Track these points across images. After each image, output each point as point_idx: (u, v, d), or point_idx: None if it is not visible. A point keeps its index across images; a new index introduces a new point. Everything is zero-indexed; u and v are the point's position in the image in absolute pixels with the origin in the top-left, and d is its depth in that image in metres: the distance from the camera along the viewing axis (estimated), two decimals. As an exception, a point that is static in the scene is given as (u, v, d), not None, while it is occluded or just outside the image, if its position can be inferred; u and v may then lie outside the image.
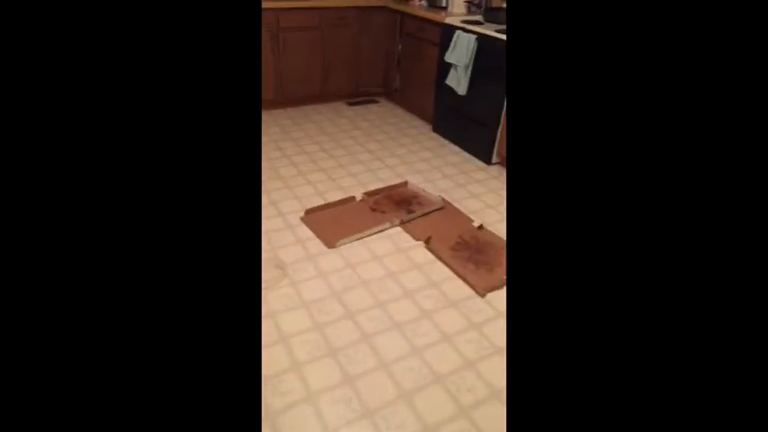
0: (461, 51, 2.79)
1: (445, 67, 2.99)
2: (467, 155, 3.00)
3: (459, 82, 2.89)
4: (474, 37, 2.70)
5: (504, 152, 2.75)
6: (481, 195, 2.53)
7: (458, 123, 3.05)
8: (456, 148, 3.08)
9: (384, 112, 3.65)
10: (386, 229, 2.17)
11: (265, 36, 3.17)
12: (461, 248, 2.06)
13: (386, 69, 3.76)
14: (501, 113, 2.69)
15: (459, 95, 2.93)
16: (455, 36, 2.82)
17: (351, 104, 3.76)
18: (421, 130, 3.34)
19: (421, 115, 3.55)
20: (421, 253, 2.03)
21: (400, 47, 3.52)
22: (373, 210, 2.32)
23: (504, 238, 2.14)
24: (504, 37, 2.54)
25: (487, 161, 2.88)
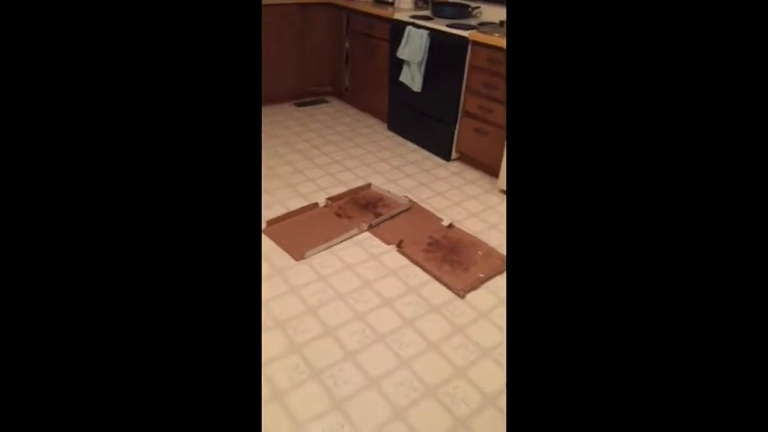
0: (414, 47, 2.73)
1: (398, 64, 2.93)
2: (426, 152, 2.95)
3: (413, 78, 2.83)
4: (426, 32, 2.65)
5: (462, 147, 2.73)
6: (445, 193, 2.49)
7: (414, 121, 3.00)
8: (414, 146, 3.03)
9: (336, 113, 3.53)
10: (354, 236, 2.07)
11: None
12: (434, 249, 2.00)
13: (334, 68, 3.64)
14: (458, 109, 2.67)
15: (414, 92, 2.88)
16: (406, 32, 2.76)
17: (299, 105, 3.60)
18: (376, 129, 3.26)
19: (374, 114, 3.46)
20: (394, 258, 1.95)
21: (348, 44, 3.41)
22: (339, 216, 2.21)
23: (475, 235, 2.11)
24: (455, 32, 2.51)
25: (447, 158, 2.85)
